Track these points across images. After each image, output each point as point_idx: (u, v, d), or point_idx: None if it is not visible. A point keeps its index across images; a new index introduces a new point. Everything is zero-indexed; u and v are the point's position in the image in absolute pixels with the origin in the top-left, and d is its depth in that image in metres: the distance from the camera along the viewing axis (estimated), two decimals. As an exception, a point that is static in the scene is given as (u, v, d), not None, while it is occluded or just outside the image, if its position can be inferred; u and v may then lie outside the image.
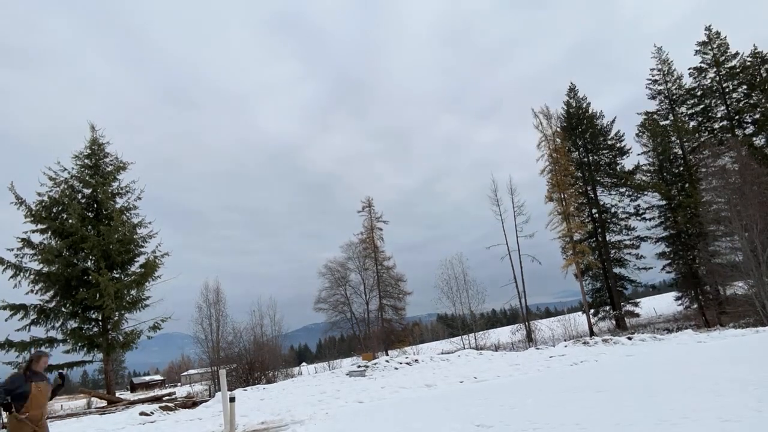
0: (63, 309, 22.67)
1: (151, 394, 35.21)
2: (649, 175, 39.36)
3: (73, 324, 22.84)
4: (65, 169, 23.75)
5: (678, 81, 40.03)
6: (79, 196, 23.98)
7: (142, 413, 14.72)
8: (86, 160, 24.55)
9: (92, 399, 26.27)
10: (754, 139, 35.78)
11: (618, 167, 40.84)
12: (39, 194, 22.87)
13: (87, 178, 23.91)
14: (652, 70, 40.64)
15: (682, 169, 38.48)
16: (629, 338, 21.37)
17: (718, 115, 38.26)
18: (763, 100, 35.83)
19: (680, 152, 38.66)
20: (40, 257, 22.03)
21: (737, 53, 37.47)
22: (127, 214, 24.79)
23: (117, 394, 28.20)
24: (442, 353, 26.14)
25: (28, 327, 22.04)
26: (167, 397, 22.25)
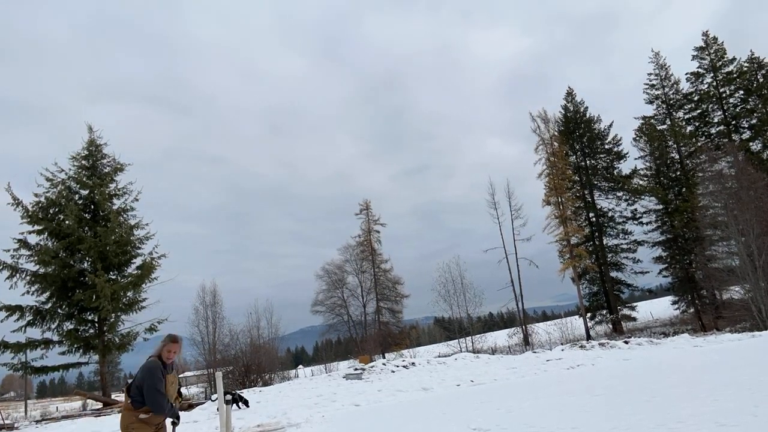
0: (59, 310, 22.59)
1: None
2: (646, 179, 39.44)
3: (69, 325, 22.75)
4: (62, 170, 23.69)
5: (675, 86, 40.19)
6: (76, 197, 23.90)
7: (137, 415, 14.65)
8: (83, 161, 24.48)
9: (88, 401, 26.16)
10: (751, 144, 35.93)
11: (615, 171, 40.92)
12: (36, 195, 22.81)
13: (84, 179, 23.83)
14: (650, 74, 40.79)
15: (679, 173, 38.60)
16: (626, 342, 21.38)
17: (715, 120, 38.43)
18: (759, 105, 36.01)
19: (677, 157, 38.78)
20: (36, 258, 21.95)
21: (734, 58, 37.66)
22: (124, 216, 24.73)
23: (113, 396, 28.06)
24: (439, 356, 26.12)
25: (23, 328, 21.99)
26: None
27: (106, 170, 24.98)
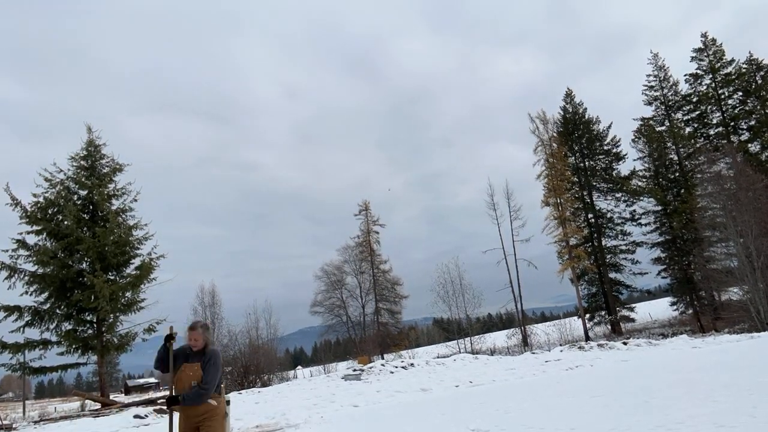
0: (57, 311, 22.51)
1: (145, 396, 34.99)
2: (644, 180, 39.50)
3: (67, 326, 22.68)
4: (61, 170, 23.62)
5: (674, 87, 40.28)
6: (75, 197, 23.84)
7: (136, 416, 14.65)
8: (82, 162, 24.42)
9: (86, 401, 26.09)
10: (750, 145, 35.99)
11: (614, 172, 40.99)
12: (34, 195, 22.77)
13: (83, 180, 23.77)
14: (648, 76, 40.88)
15: (677, 174, 38.66)
16: (624, 343, 21.39)
17: (714, 121, 38.50)
18: (758, 107, 36.09)
19: (676, 158, 38.85)
20: (35, 259, 21.88)
21: (733, 60, 37.75)
22: (123, 216, 24.67)
23: (111, 397, 28.01)
24: (438, 357, 26.12)
25: (22, 329, 21.90)
26: (162, 400, 22.11)
27: (105, 170, 24.92)
